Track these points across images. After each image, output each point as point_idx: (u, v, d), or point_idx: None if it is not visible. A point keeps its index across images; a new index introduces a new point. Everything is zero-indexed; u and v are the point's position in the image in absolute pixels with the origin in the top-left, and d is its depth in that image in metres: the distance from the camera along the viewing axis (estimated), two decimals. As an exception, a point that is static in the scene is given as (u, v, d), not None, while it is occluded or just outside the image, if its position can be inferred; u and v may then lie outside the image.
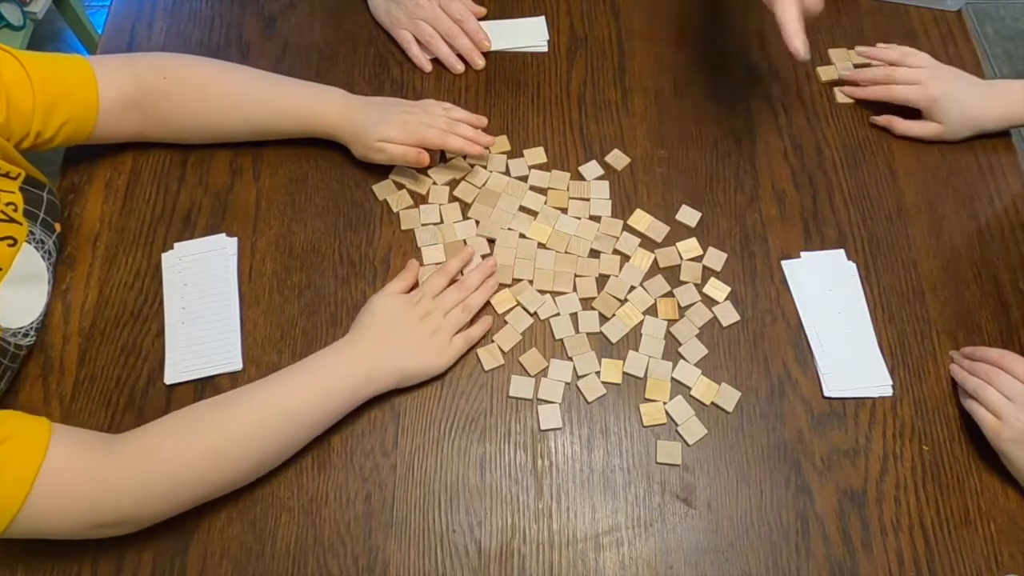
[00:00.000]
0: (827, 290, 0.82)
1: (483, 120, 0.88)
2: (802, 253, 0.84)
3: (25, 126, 0.74)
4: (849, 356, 0.78)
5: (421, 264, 0.82)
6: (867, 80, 0.91)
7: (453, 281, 0.81)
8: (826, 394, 0.76)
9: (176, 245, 0.83)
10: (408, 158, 0.82)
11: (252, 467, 0.69)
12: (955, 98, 0.87)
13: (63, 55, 0.78)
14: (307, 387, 0.71)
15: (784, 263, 0.83)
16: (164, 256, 0.82)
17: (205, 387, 0.76)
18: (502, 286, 0.81)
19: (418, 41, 0.95)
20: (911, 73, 0.89)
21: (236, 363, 0.77)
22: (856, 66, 0.94)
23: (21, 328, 0.74)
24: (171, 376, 0.76)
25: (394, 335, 0.75)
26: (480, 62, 0.95)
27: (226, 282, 0.81)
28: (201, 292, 0.80)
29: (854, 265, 0.83)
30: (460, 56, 0.95)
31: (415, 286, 0.80)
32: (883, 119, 0.90)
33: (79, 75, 0.78)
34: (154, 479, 0.65)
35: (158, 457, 0.65)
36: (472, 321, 0.79)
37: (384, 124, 0.82)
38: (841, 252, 0.84)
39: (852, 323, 0.80)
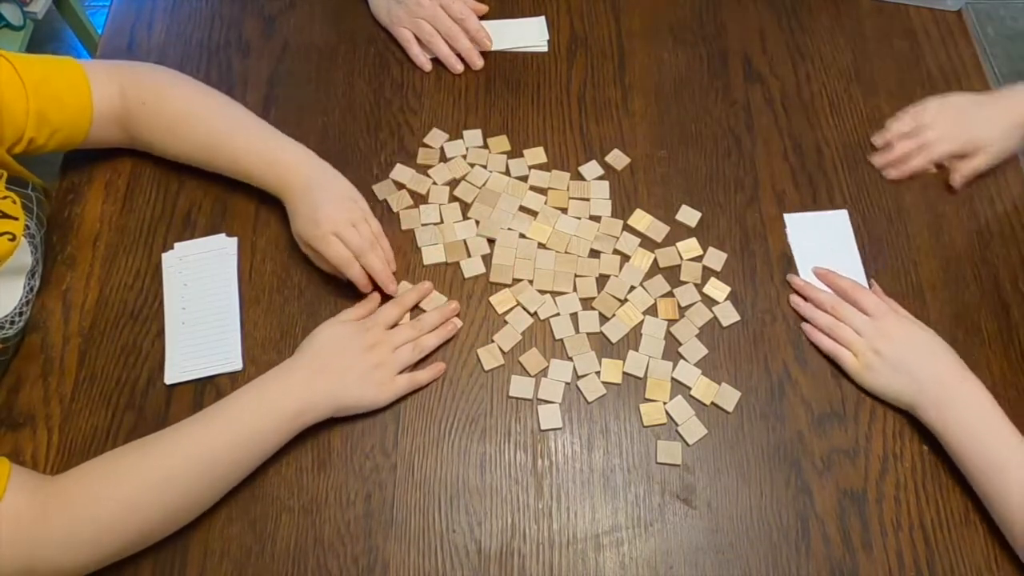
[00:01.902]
0: (829, 248, 0.84)
1: (392, 276, 0.80)
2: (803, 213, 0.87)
3: (17, 131, 0.74)
4: None
5: (423, 263, 0.82)
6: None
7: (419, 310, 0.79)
8: None
9: (176, 245, 0.83)
10: (326, 268, 0.79)
11: (179, 511, 0.66)
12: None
13: (56, 59, 0.78)
14: (239, 419, 0.68)
15: (787, 217, 0.86)
16: (164, 256, 0.82)
17: (205, 387, 0.76)
18: (502, 286, 0.81)
19: (418, 40, 0.95)
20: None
21: (236, 363, 0.77)
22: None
23: None
24: (171, 376, 0.76)
25: (334, 365, 0.72)
26: (479, 62, 0.94)
27: (226, 282, 0.81)
28: (201, 292, 0.80)
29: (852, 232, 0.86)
30: (459, 56, 0.95)
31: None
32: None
33: (73, 81, 0.78)
34: (77, 528, 0.62)
35: (77, 505, 0.62)
36: (425, 362, 0.77)
37: (312, 231, 0.77)
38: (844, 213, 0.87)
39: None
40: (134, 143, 0.85)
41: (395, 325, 0.78)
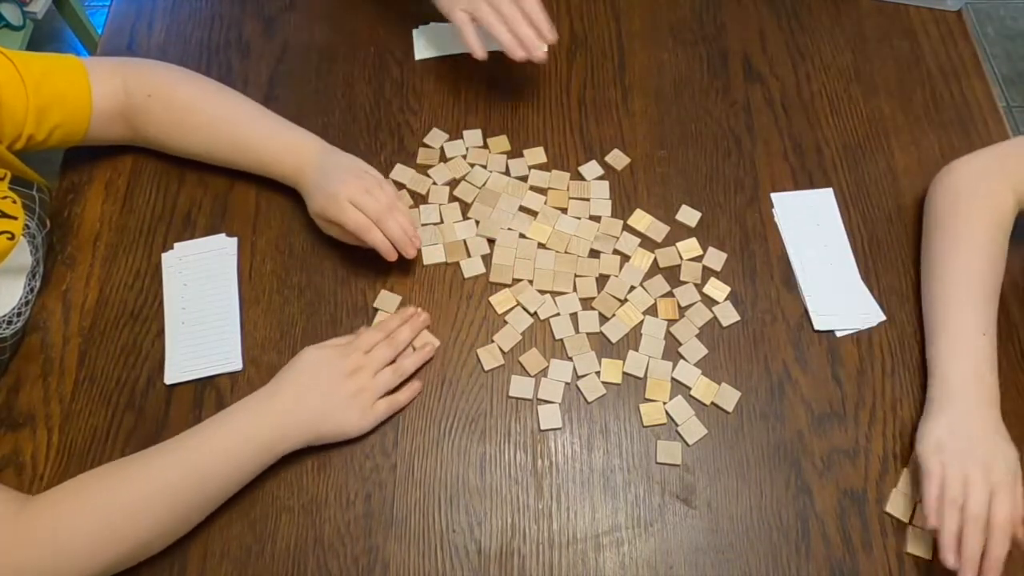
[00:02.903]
0: (815, 225, 0.85)
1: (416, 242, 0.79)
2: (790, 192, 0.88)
3: (17, 128, 0.74)
4: (836, 291, 0.82)
5: (423, 263, 0.82)
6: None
7: None
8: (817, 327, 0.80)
9: (176, 245, 0.83)
10: (345, 239, 0.80)
11: (155, 536, 0.65)
12: None
13: (57, 56, 0.78)
14: (215, 448, 0.67)
15: (774, 196, 0.87)
16: (164, 256, 0.82)
17: (205, 387, 0.76)
18: (502, 286, 0.81)
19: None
20: None
21: (236, 363, 0.77)
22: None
23: None
24: (171, 376, 0.76)
25: (314, 392, 0.71)
26: (539, 54, 0.85)
27: (226, 282, 0.81)
28: (201, 292, 0.80)
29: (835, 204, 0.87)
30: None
31: None
32: None
33: (73, 78, 0.78)
34: (51, 550, 0.61)
35: (61, 525, 0.62)
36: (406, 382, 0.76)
37: (326, 203, 0.77)
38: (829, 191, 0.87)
39: (837, 261, 0.84)
40: (137, 139, 0.85)
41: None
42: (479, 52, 0.87)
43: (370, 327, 0.78)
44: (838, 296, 0.81)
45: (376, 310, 0.80)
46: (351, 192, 0.76)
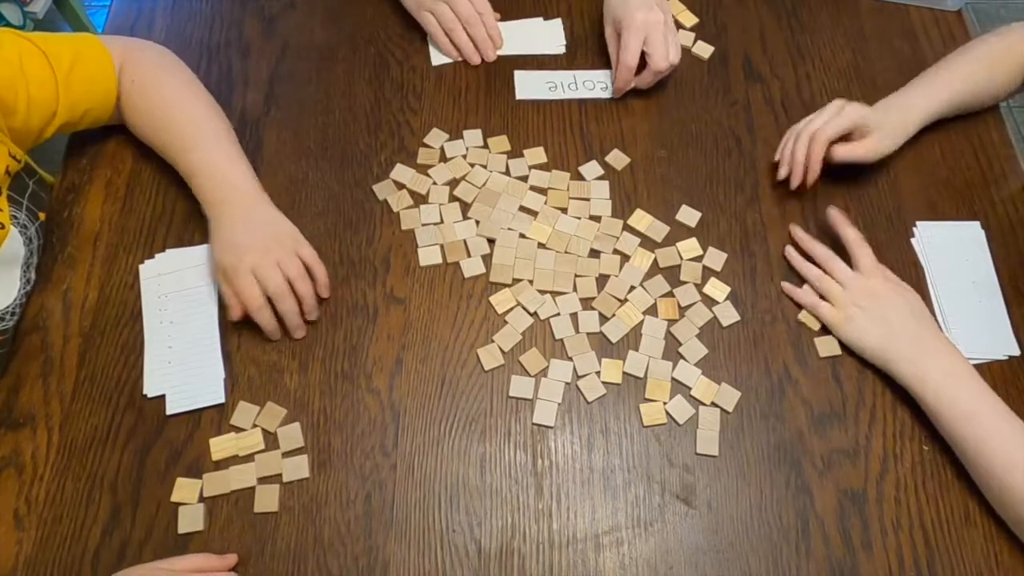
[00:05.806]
0: (963, 260, 0.84)
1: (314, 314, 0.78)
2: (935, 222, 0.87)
3: (44, 119, 0.76)
4: (977, 320, 0.81)
5: (421, 263, 0.82)
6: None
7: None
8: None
9: (157, 256, 0.81)
10: (231, 303, 0.75)
11: None
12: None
13: (81, 38, 0.81)
14: None
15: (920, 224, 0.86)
16: (141, 268, 0.81)
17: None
18: (502, 286, 0.81)
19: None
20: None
21: (219, 395, 0.74)
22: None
23: None
24: (151, 389, 0.75)
25: None
26: (492, 55, 0.95)
27: (206, 301, 0.79)
28: (181, 316, 0.78)
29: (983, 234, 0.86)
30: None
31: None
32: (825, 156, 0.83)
33: (99, 61, 0.80)
34: None
35: None
36: None
37: (231, 262, 0.75)
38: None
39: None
40: (124, 121, 0.86)
41: None
42: (452, 53, 0.95)
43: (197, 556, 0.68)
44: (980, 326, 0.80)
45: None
46: (257, 260, 0.74)
